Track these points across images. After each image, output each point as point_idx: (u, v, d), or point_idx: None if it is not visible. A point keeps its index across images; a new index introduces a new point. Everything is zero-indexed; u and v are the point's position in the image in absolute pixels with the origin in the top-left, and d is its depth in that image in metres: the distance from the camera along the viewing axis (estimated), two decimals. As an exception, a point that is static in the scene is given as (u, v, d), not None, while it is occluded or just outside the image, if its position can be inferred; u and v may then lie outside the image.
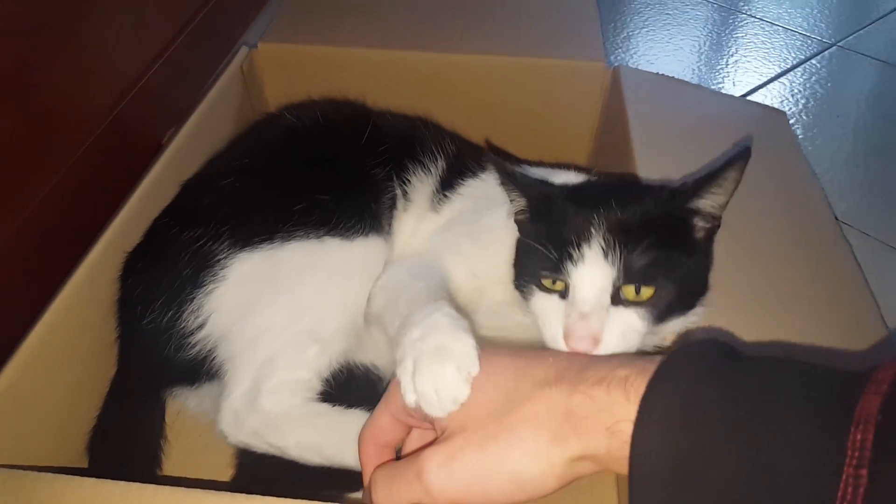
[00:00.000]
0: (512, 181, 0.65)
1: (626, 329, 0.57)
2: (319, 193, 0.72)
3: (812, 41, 1.60)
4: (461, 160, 0.84)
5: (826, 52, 1.57)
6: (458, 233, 0.76)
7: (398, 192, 0.80)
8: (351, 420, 0.64)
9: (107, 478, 0.51)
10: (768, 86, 1.45)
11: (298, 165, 0.77)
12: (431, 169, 0.82)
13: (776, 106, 1.38)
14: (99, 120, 0.92)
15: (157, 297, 0.69)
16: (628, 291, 0.57)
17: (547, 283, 0.60)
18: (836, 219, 1.02)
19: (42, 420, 0.67)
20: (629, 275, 0.57)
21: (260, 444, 0.65)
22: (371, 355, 0.76)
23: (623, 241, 0.57)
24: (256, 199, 0.73)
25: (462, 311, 0.66)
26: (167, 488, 0.49)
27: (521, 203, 0.66)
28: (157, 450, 0.73)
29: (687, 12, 1.72)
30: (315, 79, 1.05)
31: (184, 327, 0.68)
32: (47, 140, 0.82)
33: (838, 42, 1.59)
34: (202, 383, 0.70)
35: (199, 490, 0.49)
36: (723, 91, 1.44)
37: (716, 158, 0.82)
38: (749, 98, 1.42)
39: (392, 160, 0.80)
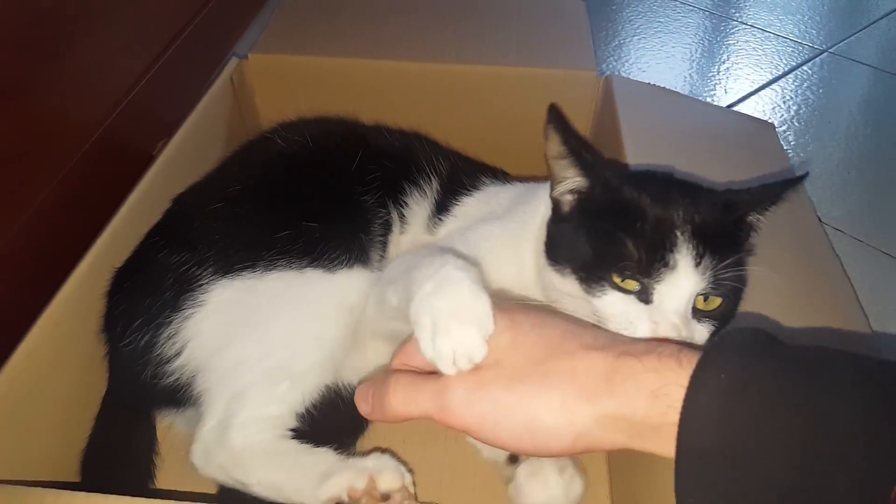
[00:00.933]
0: (575, 155, 0.59)
1: (703, 341, 0.56)
2: (306, 221, 0.71)
3: (803, 48, 1.61)
4: (455, 178, 0.82)
5: (817, 59, 1.57)
6: (452, 242, 0.74)
7: (394, 215, 0.79)
8: (315, 462, 0.63)
9: (99, 492, 0.50)
10: (760, 93, 1.46)
11: (287, 192, 0.76)
12: (427, 191, 0.81)
13: (768, 113, 1.39)
14: (89, 132, 0.91)
15: (137, 317, 0.69)
16: (698, 301, 0.56)
17: (617, 279, 0.55)
18: (827, 224, 1.03)
19: (33, 435, 0.66)
20: (714, 287, 0.55)
21: (226, 479, 0.64)
22: (361, 373, 0.75)
23: (710, 249, 0.55)
24: (243, 225, 0.72)
25: None
26: (158, 502, 0.49)
27: (577, 183, 0.61)
28: (150, 465, 0.73)
29: (678, 20, 1.72)
30: (306, 89, 1.05)
31: (160, 354, 0.68)
32: (36, 153, 0.82)
33: (829, 48, 1.60)
34: (187, 407, 0.70)
35: (189, 504, 0.48)
36: (714, 98, 1.44)
37: (707, 171, 0.82)
38: (741, 104, 1.42)
39: (385, 185, 0.79)
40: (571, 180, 0.61)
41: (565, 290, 0.60)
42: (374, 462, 0.62)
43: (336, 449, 0.70)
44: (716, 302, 0.56)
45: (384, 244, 0.78)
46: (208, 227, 0.72)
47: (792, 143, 1.31)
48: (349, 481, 0.60)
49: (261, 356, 0.66)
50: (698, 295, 0.55)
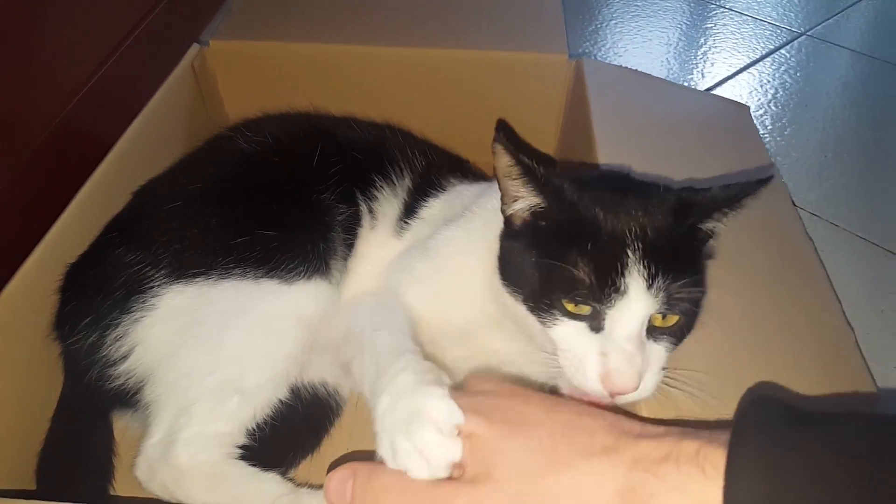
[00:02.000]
0: (528, 174, 0.56)
1: (658, 367, 0.54)
2: (264, 228, 0.68)
3: (781, 31, 1.59)
4: (426, 178, 0.79)
5: (795, 42, 1.56)
6: (411, 255, 0.72)
7: (363, 208, 0.76)
8: (261, 491, 0.61)
9: (56, 500, 0.48)
10: (737, 76, 1.44)
11: (245, 196, 0.73)
12: (398, 189, 0.78)
13: (745, 97, 1.38)
14: (44, 124, 0.88)
15: (86, 315, 0.66)
16: (656, 318, 0.53)
17: (569, 305, 0.53)
18: (803, 209, 1.02)
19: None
20: (668, 306, 0.53)
21: (169, 498, 0.61)
22: (323, 374, 0.73)
23: (662, 268, 0.52)
24: (200, 228, 0.69)
25: (430, 345, 0.65)
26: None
27: (530, 202, 0.58)
28: (108, 468, 0.70)
29: (656, 3, 1.70)
30: (272, 77, 1.02)
31: (106, 356, 0.65)
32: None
33: (807, 31, 1.59)
34: (138, 411, 0.67)
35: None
36: (692, 83, 1.42)
37: (679, 154, 0.80)
38: (718, 88, 1.41)
39: (349, 178, 0.76)
40: (524, 199, 0.58)
41: (518, 313, 0.58)
42: (321, 500, 0.58)
43: (294, 457, 0.70)
44: (673, 319, 0.54)
45: (350, 244, 0.75)
46: (165, 227, 0.70)
47: (769, 128, 1.29)
48: None
49: (210, 369, 0.63)
50: (655, 314, 0.53)
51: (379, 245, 0.76)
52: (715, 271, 0.67)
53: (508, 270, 0.59)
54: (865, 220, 1.07)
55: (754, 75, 1.44)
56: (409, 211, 0.77)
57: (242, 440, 0.63)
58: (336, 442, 0.74)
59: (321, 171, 0.75)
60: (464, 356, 0.67)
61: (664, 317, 0.54)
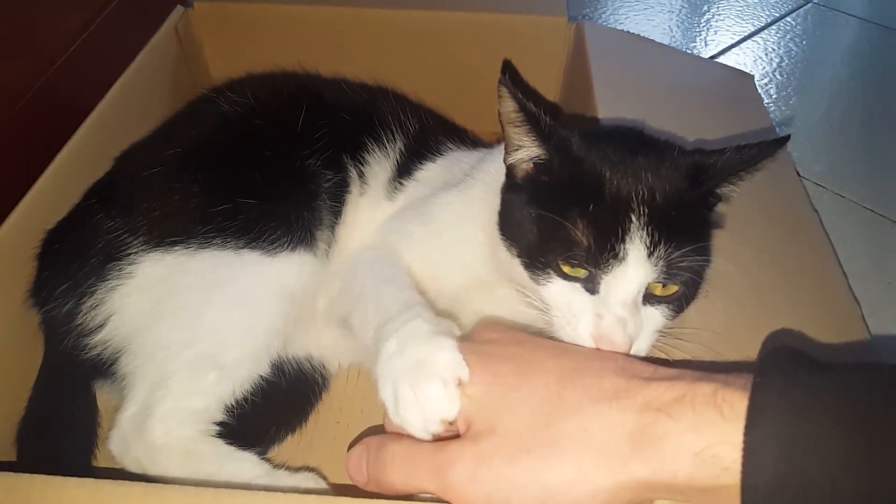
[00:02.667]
0: (532, 122, 0.53)
1: (652, 329, 0.53)
2: (246, 196, 0.65)
3: (787, -2, 1.55)
4: (421, 141, 0.76)
5: (801, 10, 1.51)
6: (406, 217, 0.69)
7: (352, 173, 0.73)
8: (237, 471, 0.58)
9: (36, 471, 0.46)
10: (742, 45, 1.40)
11: (227, 161, 0.70)
12: (389, 152, 0.75)
13: (749, 65, 1.34)
14: (24, 89, 0.85)
15: (62, 282, 0.64)
16: (655, 287, 0.52)
17: (565, 268, 0.52)
18: (808, 180, 0.99)
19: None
20: (668, 275, 0.51)
21: (140, 471, 0.59)
22: (308, 347, 0.71)
23: (665, 236, 0.50)
24: (180, 195, 0.66)
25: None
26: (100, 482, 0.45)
27: (533, 152, 0.55)
28: (91, 438, 0.67)
29: (658, -31, 1.65)
30: (259, 40, 0.98)
31: (81, 324, 0.63)
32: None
33: (814, -1, 1.55)
34: (117, 381, 0.64)
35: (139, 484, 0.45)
36: (695, 50, 1.39)
37: (683, 121, 0.77)
38: (722, 57, 1.37)
39: (337, 141, 0.73)
40: (527, 149, 0.56)
41: (514, 270, 0.56)
42: (298, 484, 0.58)
43: (277, 433, 0.68)
44: (673, 289, 0.53)
45: (337, 212, 0.71)
46: (144, 193, 0.67)
47: (774, 97, 1.26)
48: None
49: (187, 342, 0.61)
50: (654, 283, 0.52)
51: (370, 209, 0.73)
52: (720, 243, 0.64)
53: (507, 224, 0.58)
54: (872, 190, 1.04)
55: (759, 43, 1.40)
56: (403, 171, 0.74)
57: (220, 417, 0.61)
58: (323, 418, 0.72)
59: (307, 134, 0.71)
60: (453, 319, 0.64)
61: (664, 286, 0.52)
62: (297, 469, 0.62)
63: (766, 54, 1.37)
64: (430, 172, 0.74)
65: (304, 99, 0.75)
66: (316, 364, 0.72)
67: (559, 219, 0.51)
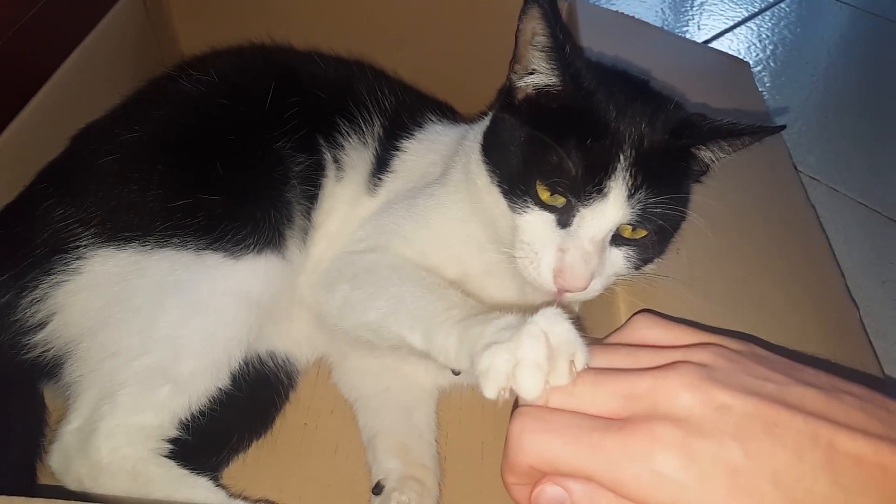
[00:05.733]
0: (558, 50, 0.52)
1: (613, 271, 0.53)
2: (209, 190, 0.60)
3: (782, -17, 1.51)
4: (399, 119, 0.71)
5: (796, -5, 1.47)
6: (394, 214, 0.65)
7: (327, 156, 0.68)
8: (190, 497, 0.53)
9: None
10: (735, 30, 1.36)
11: (188, 147, 0.64)
12: (368, 139, 0.70)
13: (743, 52, 1.30)
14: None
15: (3, 272, 0.58)
16: (626, 230, 0.53)
17: (545, 194, 0.51)
18: (802, 173, 0.95)
19: None
20: (642, 219, 0.52)
21: (80, 491, 0.54)
22: (272, 342, 0.66)
23: (647, 180, 0.51)
24: (138, 185, 0.61)
25: None
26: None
27: (547, 80, 0.54)
28: (39, 439, 0.62)
29: (651, -50, 1.60)
30: (232, 10, 0.92)
31: (20, 320, 0.57)
32: None
33: (809, -16, 1.50)
34: (60, 383, 0.59)
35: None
36: (687, 35, 1.34)
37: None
38: (715, 42, 1.33)
39: (310, 121, 0.68)
40: (541, 75, 0.54)
41: (490, 197, 0.56)
42: None
43: (239, 441, 0.63)
44: (641, 233, 0.53)
45: (312, 196, 0.66)
46: (99, 181, 0.61)
47: (767, 85, 1.22)
48: None
49: (138, 351, 0.55)
50: (625, 225, 0.52)
51: (349, 202, 0.69)
52: (718, 239, 0.60)
53: (492, 145, 0.57)
54: (867, 185, 1.01)
55: (752, 29, 1.36)
56: (382, 164, 0.69)
57: (173, 433, 0.56)
58: (290, 419, 0.68)
59: (276, 114, 0.66)
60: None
61: (634, 229, 0.53)
62: (256, 501, 0.58)
63: (760, 41, 1.33)
64: (407, 158, 0.69)
65: (273, 75, 0.70)
66: (280, 361, 0.67)
67: (555, 144, 0.50)
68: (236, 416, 0.62)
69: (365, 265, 0.61)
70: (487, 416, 0.69)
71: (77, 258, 0.58)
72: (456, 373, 0.56)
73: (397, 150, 0.69)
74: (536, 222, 0.52)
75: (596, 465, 0.33)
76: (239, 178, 0.62)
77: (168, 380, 0.55)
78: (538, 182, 0.51)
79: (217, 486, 0.56)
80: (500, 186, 0.55)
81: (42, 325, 0.57)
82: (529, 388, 0.36)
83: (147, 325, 0.56)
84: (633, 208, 0.51)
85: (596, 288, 0.52)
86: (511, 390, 0.37)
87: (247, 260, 0.59)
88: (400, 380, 0.68)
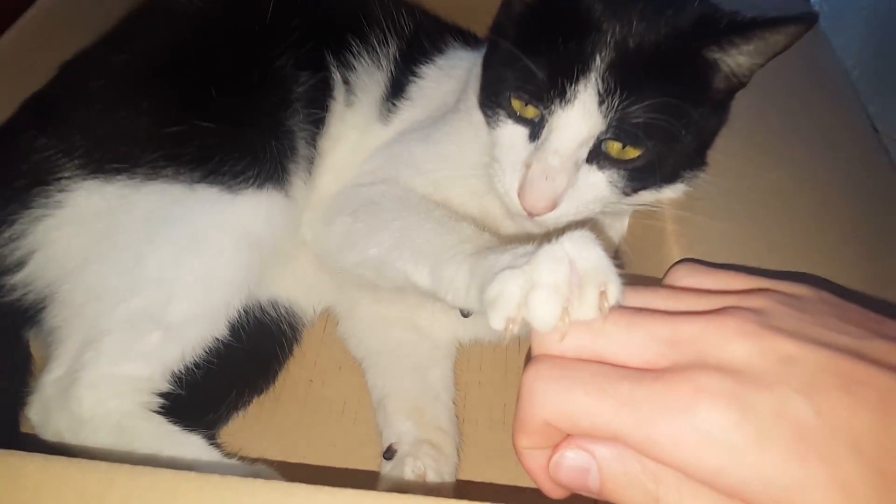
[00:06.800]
0: None
1: (589, 197, 0.48)
2: (204, 116, 0.55)
3: None
4: (415, 44, 0.66)
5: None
6: (407, 143, 0.60)
7: (336, 76, 0.63)
8: (180, 456, 0.48)
9: None
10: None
11: (184, 68, 0.59)
12: (382, 60, 0.65)
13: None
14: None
15: None
16: (613, 147, 0.47)
17: (518, 105, 0.48)
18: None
19: None
20: (621, 131, 0.46)
21: (59, 444, 0.50)
22: (276, 289, 0.61)
23: (626, 86, 0.45)
24: (128, 112, 0.56)
25: None
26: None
27: None
28: (21, 389, 0.57)
29: None
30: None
31: None
32: None
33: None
34: (43, 328, 0.55)
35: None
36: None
37: None
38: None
39: (318, 35, 0.62)
40: None
41: (477, 118, 0.53)
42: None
43: (237, 398, 0.59)
44: (634, 153, 0.47)
45: (319, 120, 0.61)
46: (86, 108, 0.57)
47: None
48: None
49: (125, 294, 0.51)
50: (608, 140, 0.46)
51: (360, 129, 0.63)
52: (780, 176, 0.53)
53: (484, 67, 0.54)
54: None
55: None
56: (397, 89, 0.64)
57: (164, 386, 0.51)
58: (293, 375, 0.62)
59: (277, 27, 0.60)
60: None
61: (623, 147, 0.47)
62: (254, 461, 0.52)
63: (814, -16, 1.23)
64: (426, 83, 0.63)
65: None
66: (283, 311, 0.62)
67: (517, 50, 0.47)
68: (235, 369, 0.57)
69: (370, 197, 0.57)
70: (511, 375, 0.63)
71: (59, 191, 0.53)
72: (465, 314, 0.51)
73: (415, 75, 0.63)
74: (508, 136, 0.49)
75: (625, 422, 0.27)
76: (236, 103, 0.57)
77: (158, 326, 0.51)
78: (511, 93, 0.48)
79: (211, 444, 0.51)
80: (479, 101, 0.52)
81: (21, 264, 0.53)
82: (543, 315, 0.30)
83: (134, 265, 0.51)
84: (607, 118, 0.45)
85: (567, 212, 0.47)
86: (523, 321, 0.31)
87: (246, 195, 0.54)
88: (413, 334, 0.63)
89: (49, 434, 0.50)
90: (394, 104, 0.63)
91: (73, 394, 0.49)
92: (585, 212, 0.48)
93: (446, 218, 0.50)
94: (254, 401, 0.60)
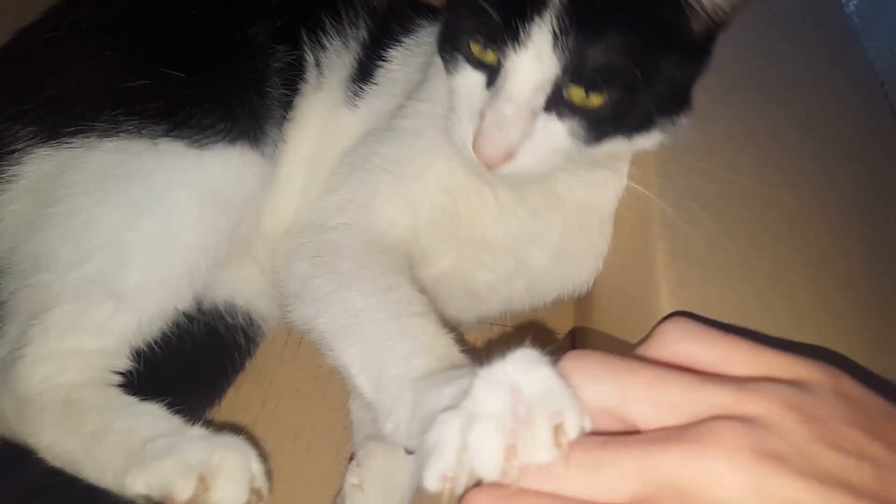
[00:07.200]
0: None
1: (549, 148, 0.45)
2: (172, 66, 0.51)
3: None
4: (386, 27, 0.62)
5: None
6: (372, 142, 0.56)
7: (308, 58, 0.59)
8: (131, 428, 0.44)
9: None
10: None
11: (151, 20, 0.56)
12: (351, 42, 0.61)
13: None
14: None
15: None
16: (575, 94, 0.44)
17: (476, 49, 0.45)
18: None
19: None
20: (580, 74, 0.43)
21: (12, 434, 0.46)
22: (230, 291, 0.57)
23: (584, 26, 0.42)
24: (84, 65, 0.53)
25: (421, 263, 0.53)
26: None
27: None
28: None
29: None
30: None
31: None
32: None
33: None
34: None
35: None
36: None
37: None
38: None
39: (296, 9, 0.59)
40: None
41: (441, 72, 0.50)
42: (213, 452, 0.42)
43: (184, 407, 0.50)
44: (597, 100, 0.43)
45: (288, 103, 0.57)
46: (37, 66, 0.54)
47: (855, 21, 1.03)
48: (167, 479, 0.40)
49: (74, 262, 0.47)
50: (569, 86, 0.43)
51: (327, 111, 0.59)
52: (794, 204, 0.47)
53: (447, 6, 0.51)
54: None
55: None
56: (364, 73, 0.60)
57: (122, 363, 0.48)
58: (245, 394, 0.57)
59: None
60: (457, 266, 0.55)
61: (587, 94, 0.43)
62: (221, 428, 0.46)
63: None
64: (395, 65, 0.60)
65: None
66: (241, 319, 0.57)
67: None
68: (176, 379, 0.53)
69: (330, 244, 0.52)
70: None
71: (12, 164, 0.50)
72: (410, 451, 0.44)
73: (383, 59, 0.60)
74: (465, 83, 0.46)
75: None
76: (210, 57, 0.54)
77: (110, 295, 0.47)
78: (468, 37, 0.45)
79: (170, 413, 0.46)
80: (439, 50, 0.49)
81: None
82: (484, 456, 0.25)
83: (84, 229, 0.48)
84: (562, 61, 0.42)
85: (524, 164, 0.44)
86: (460, 475, 0.26)
87: (216, 149, 0.51)
88: None
89: None
90: (360, 87, 0.60)
91: (17, 371, 0.46)
92: (547, 164, 0.46)
93: (406, 306, 0.46)
94: (196, 418, 0.53)
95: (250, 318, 0.58)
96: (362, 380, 0.43)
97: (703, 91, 0.47)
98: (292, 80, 0.58)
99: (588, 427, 0.25)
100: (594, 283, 0.54)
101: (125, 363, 0.48)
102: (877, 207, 0.49)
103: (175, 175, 0.50)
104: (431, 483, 0.26)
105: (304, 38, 0.59)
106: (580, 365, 0.27)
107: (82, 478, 0.44)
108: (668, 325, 0.29)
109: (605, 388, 0.26)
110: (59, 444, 0.44)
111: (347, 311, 0.46)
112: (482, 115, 0.44)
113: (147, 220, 0.49)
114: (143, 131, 0.50)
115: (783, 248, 0.43)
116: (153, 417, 0.45)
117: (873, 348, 0.39)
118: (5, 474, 0.47)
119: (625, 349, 0.30)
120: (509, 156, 0.44)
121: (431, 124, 0.51)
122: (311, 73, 0.59)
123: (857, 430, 0.24)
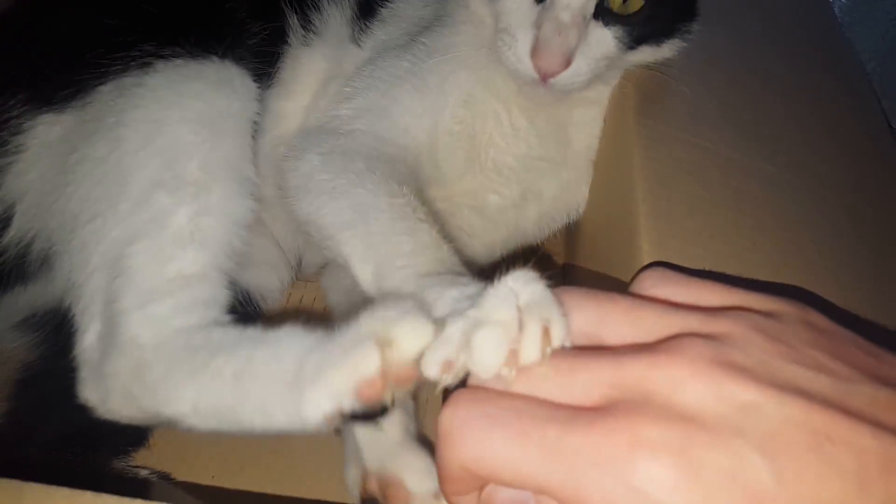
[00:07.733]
0: None
1: (599, 53, 0.49)
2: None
3: None
4: None
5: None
6: (389, 58, 0.57)
7: (292, 19, 0.59)
8: (279, 353, 0.38)
9: None
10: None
11: None
12: None
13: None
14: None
15: None
16: (615, 2, 0.49)
17: None
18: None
19: None
20: None
21: (142, 416, 0.42)
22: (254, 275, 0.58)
23: None
24: (62, 23, 0.53)
25: (433, 184, 0.55)
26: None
27: None
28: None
29: None
30: None
31: None
32: None
33: None
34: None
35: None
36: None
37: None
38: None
39: None
40: None
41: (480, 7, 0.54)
42: (373, 325, 0.34)
43: None
44: (636, 4, 0.49)
45: (270, 59, 0.57)
46: (22, 35, 0.54)
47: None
48: (348, 371, 0.33)
49: (124, 195, 0.45)
50: None
51: (324, 63, 0.60)
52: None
53: None
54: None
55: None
56: (367, 12, 0.62)
57: (221, 295, 0.45)
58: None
59: None
60: (470, 187, 0.57)
61: (625, 1, 0.49)
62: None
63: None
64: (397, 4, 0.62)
65: None
66: (240, 294, 0.57)
67: None
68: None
69: (342, 146, 0.52)
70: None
71: (14, 134, 0.50)
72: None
73: None
74: (513, 3, 0.50)
75: (550, 474, 0.23)
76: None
77: (174, 204, 0.45)
78: None
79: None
80: None
81: (5, 221, 0.49)
82: (487, 357, 0.26)
83: (116, 166, 0.46)
84: None
85: (579, 70, 0.48)
86: (458, 368, 0.28)
87: (211, 64, 0.51)
88: None
89: (114, 403, 0.42)
90: (366, 24, 0.61)
91: (124, 333, 0.41)
92: (596, 70, 0.49)
93: (410, 212, 0.45)
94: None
95: (248, 295, 0.58)
96: (362, 268, 0.43)
97: (688, 64, 0.52)
98: (270, 53, 0.57)
99: (569, 345, 0.27)
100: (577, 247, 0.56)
101: (224, 294, 0.45)
102: (854, 179, 0.50)
103: (182, 87, 0.49)
104: (431, 368, 0.28)
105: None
106: (566, 295, 0.28)
107: (240, 431, 0.39)
108: (646, 273, 0.31)
109: (587, 313, 0.28)
110: (204, 397, 0.39)
111: (354, 206, 0.46)
112: (538, 26, 0.47)
113: (170, 133, 0.47)
114: (132, 64, 0.49)
115: (762, 213, 0.44)
116: (290, 337, 0.39)
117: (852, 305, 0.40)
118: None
119: (612, 286, 0.32)
120: (567, 63, 0.47)
121: (455, 42, 0.55)
122: (296, 34, 0.60)
123: (819, 351, 0.25)
